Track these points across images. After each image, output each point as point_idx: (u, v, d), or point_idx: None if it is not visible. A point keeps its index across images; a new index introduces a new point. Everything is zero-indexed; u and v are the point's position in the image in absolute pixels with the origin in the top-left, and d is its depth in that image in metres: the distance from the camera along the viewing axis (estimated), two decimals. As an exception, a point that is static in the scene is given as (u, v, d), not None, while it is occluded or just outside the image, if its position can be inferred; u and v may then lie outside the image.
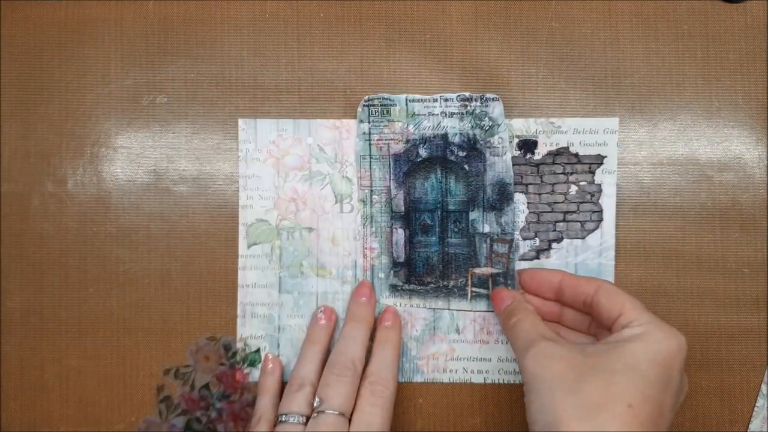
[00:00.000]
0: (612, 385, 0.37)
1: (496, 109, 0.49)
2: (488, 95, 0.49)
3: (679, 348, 0.39)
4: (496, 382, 0.49)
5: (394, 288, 0.49)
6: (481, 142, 0.49)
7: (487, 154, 0.49)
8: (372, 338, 0.48)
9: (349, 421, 0.43)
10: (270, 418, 0.46)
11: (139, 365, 0.50)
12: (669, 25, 0.49)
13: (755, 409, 0.48)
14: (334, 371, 0.45)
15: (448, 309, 0.49)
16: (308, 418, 0.44)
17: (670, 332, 0.39)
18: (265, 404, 0.47)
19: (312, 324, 0.49)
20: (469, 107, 0.49)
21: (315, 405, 0.44)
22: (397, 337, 0.48)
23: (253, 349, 0.48)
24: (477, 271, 0.49)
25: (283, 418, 0.44)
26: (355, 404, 0.44)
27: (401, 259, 0.49)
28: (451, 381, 0.49)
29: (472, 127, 0.49)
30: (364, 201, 0.49)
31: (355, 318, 0.48)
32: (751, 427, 0.48)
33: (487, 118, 0.49)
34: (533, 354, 0.40)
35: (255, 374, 0.49)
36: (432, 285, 0.49)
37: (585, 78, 0.49)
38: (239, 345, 0.49)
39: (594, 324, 0.45)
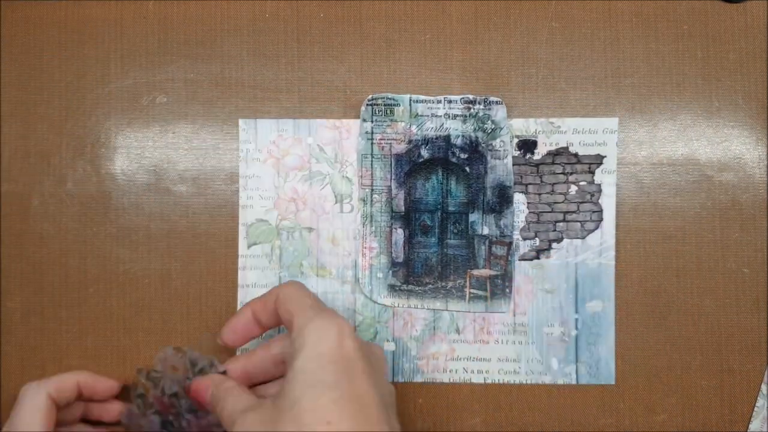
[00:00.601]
0: (301, 416, 0.35)
1: (499, 113, 0.49)
2: (491, 98, 0.49)
3: (339, 332, 0.38)
4: (496, 382, 0.49)
5: (392, 288, 0.49)
6: (483, 145, 0.49)
7: (489, 157, 0.49)
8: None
9: None
10: None
11: (138, 365, 0.50)
12: (669, 25, 0.49)
13: (755, 409, 0.48)
14: None
15: (446, 309, 0.49)
16: None
17: (324, 320, 0.39)
18: None
19: None
20: (472, 110, 0.49)
21: None
22: None
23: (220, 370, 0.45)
24: (475, 272, 0.49)
25: None
26: None
27: (400, 259, 0.49)
28: (451, 381, 0.49)
29: (475, 129, 0.49)
30: (364, 200, 0.49)
31: None
32: (751, 427, 0.48)
33: (489, 121, 0.49)
34: (238, 430, 0.38)
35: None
36: (430, 286, 0.49)
37: (585, 78, 0.50)
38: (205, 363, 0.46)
39: (278, 359, 0.44)
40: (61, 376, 0.46)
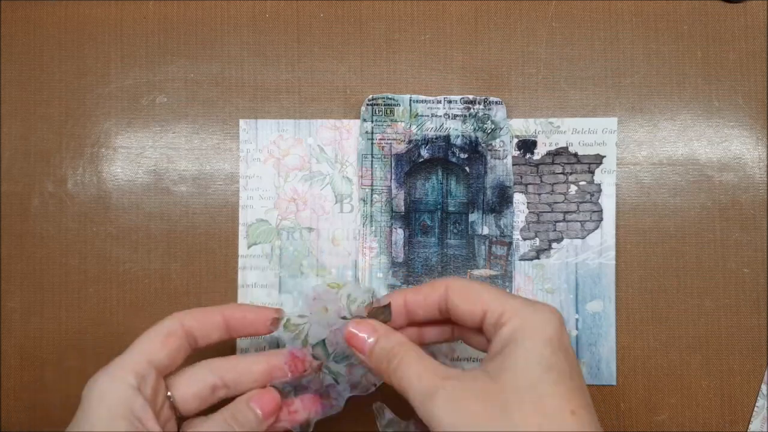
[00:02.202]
0: (542, 400, 0.33)
1: (499, 113, 0.49)
2: (491, 98, 0.49)
3: (560, 319, 0.36)
4: (496, 382, 0.49)
5: (392, 288, 0.49)
6: (483, 145, 0.49)
7: (488, 157, 0.49)
8: None
9: None
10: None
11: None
12: (669, 25, 0.49)
13: (755, 409, 0.48)
14: None
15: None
16: None
17: (545, 310, 0.36)
18: None
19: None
20: (472, 110, 0.49)
21: None
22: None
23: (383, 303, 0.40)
24: (475, 272, 0.49)
25: None
26: None
27: (400, 259, 0.49)
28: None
29: (475, 129, 0.49)
30: (364, 200, 0.49)
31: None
32: (751, 427, 0.48)
33: (489, 121, 0.49)
34: (443, 402, 0.33)
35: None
36: (431, 285, 0.49)
37: (585, 78, 0.50)
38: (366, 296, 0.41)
39: (456, 329, 0.41)
40: (205, 310, 0.41)
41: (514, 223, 0.49)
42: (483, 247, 0.49)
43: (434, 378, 0.35)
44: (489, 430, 0.32)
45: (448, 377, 0.34)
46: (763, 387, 0.48)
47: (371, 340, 0.39)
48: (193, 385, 0.40)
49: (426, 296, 0.39)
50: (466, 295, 0.38)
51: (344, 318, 0.40)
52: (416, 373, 0.35)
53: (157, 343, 0.39)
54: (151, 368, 0.38)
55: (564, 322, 0.36)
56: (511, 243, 0.49)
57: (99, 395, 0.37)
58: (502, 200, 0.49)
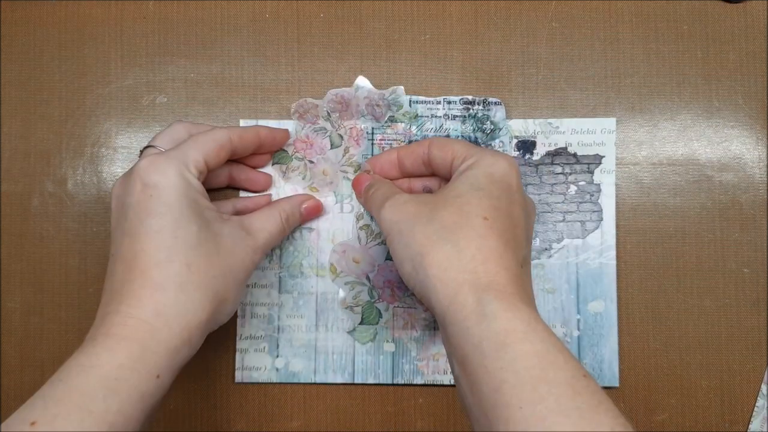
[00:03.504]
0: (464, 206, 0.39)
1: (498, 113, 0.49)
2: (491, 99, 0.49)
3: (511, 165, 0.41)
4: (496, 382, 0.49)
5: (394, 288, 0.50)
6: (482, 146, 0.49)
7: (488, 157, 0.49)
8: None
9: None
10: None
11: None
12: (669, 25, 0.49)
13: (755, 409, 0.48)
14: None
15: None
16: None
17: (499, 155, 0.42)
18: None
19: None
20: (471, 110, 0.49)
21: None
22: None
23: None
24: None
25: None
26: None
27: (401, 259, 0.49)
28: (452, 383, 0.49)
29: (474, 130, 0.49)
30: (364, 201, 0.49)
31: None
32: (751, 427, 0.48)
33: (488, 122, 0.49)
34: (390, 205, 0.41)
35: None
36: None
37: (585, 78, 0.50)
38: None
39: (441, 185, 0.46)
40: (246, 129, 0.46)
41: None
42: (483, 247, 0.49)
43: (390, 192, 0.43)
44: (417, 223, 0.39)
45: (400, 193, 0.43)
46: (763, 387, 0.48)
47: (366, 182, 0.47)
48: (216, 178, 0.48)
49: (413, 150, 0.46)
50: (442, 145, 0.44)
51: None
52: (380, 192, 0.44)
53: (213, 149, 0.43)
54: (205, 167, 0.43)
55: (517, 167, 0.42)
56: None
57: (177, 174, 0.41)
58: (502, 200, 0.49)
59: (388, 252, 0.46)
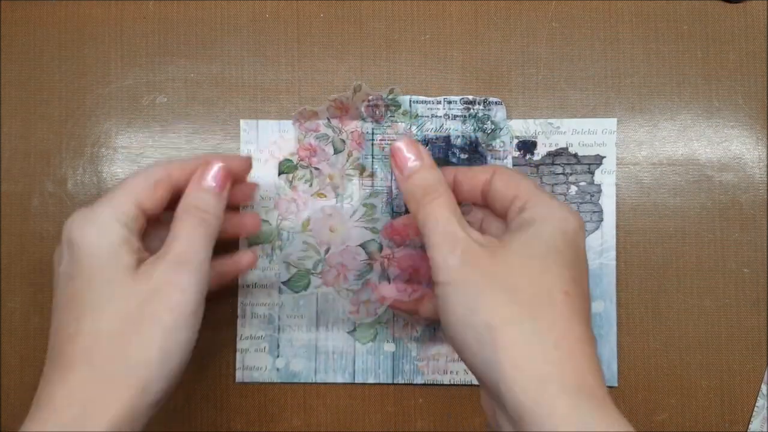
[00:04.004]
0: (543, 274, 0.35)
1: (499, 113, 0.49)
2: (491, 99, 0.49)
3: (581, 223, 0.37)
4: (497, 382, 0.49)
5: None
6: (483, 145, 0.49)
7: (489, 158, 0.49)
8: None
9: None
10: None
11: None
12: (669, 25, 0.49)
13: (755, 409, 0.48)
14: None
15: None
16: None
17: (567, 208, 0.37)
18: None
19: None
20: (471, 110, 0.49)
21: None
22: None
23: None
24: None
25: None
26: None
27: (401, 259, 0.50)
28: (452, 383, 0.49)
29: (475, 130, 0.49)
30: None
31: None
32: (751, 427, 0.48)
33: (489, 122, 0.49)
34: (459, 256, 0.35)
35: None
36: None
37: (585, 78, 0.50)
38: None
39: (485, 220, 0.42)
40: (188, 160, 0.41)
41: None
42: (483, 247, 0.49)
43: (459, 230, 0.36)
44: (488, 286, 0.34)
45: (470, 236, 0.36)
46: (763, 387, 0.48)
47: (415, 163, 0.40)
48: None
49: (474, 175, 0.41)
50: (508, 179, 0.39)
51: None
52: (444, 217, 0.37)
53: (146, 189, 0.39)
54: (140, 212, 0.38)
55: (583, 226, 0.37)
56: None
57: (97, 232, 0.36)
58: (502, 200, 0.49)
59: (363, 242, 0.48)
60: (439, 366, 0.49)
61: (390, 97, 0.49)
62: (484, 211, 0.43)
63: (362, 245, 0.49)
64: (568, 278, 0.35)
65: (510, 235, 0.37)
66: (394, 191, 0.49)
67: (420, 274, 0.47)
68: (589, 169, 0.49)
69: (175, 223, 0.39)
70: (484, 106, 0.49)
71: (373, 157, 0.49)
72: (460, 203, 0.40)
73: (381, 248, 0.49)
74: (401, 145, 0.40)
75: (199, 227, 0.38)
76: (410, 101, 0.49)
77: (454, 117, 0.49)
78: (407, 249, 0.48)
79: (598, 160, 0.49)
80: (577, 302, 0.34)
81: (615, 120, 0.49)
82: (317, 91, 0.50)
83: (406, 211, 0.49)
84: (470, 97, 0.49)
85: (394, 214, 0.49)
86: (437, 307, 0.36)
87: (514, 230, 0.37)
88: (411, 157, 0.40)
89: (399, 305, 0.46)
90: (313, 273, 0.49)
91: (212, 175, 0.40)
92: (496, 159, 0.49)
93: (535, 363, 0.32)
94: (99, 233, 0.36)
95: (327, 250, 0.49)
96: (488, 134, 0.49)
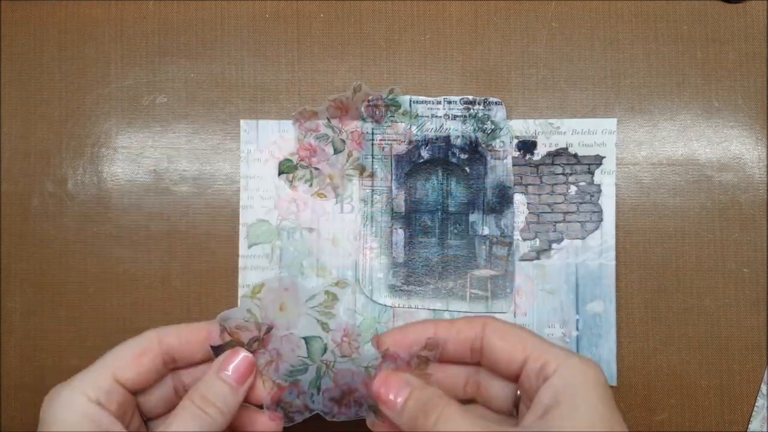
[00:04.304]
0: None
1: (499, 113, 0.49)
2: (491, 99, 0.49)
3: (604, 381, 0.34)
4: (496, 382, 0.49)
5: (392, 288, 0.49)
6: (483, 145, 0.49)
7: (489, 158, 0.49)
8: None
9: None
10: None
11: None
12: (669, 25, 0.49)
13: (755, 409, 0.48)
14: None
15: (447, 310, 0.49)
16: None
17: (590, 364, 0.34)
18: None
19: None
20: (471, 110, 0.49)
21: None
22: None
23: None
24: (476, 273, 0.49)
25: None
26: None
27: (400, 260, 0.50)
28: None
29: (474, 130, 0.49)
30: (365, 201, 0.49)
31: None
32: (751, 427, 0.48)
33: (489, 122, 0.49)
34: None
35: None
36: (431, 286, 0.49)
37: (585, 78, 0.50)
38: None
39: (480, 380, 0.38)
40: (190, 326, 0.37)
41: (515, 224, 0.49)
42: (483, 247, 0.49)
43: (450, 412, 0.33)
44: None
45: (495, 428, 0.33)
46: (763, 387, 0.48)
47: (404, 391, 0.35)
48: (155, 391, 0.38)
49: (459, 331, 0.37)
50: (505, 335, 0.35)
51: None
52: (462, 428, 0.33)
53: (126, 360, 0.36)
54: (118, 385, 0.36)
55: (604, 375, 0.34)
56: (511, 243, 0.49)
57: (60, 410, 0.34)
58: (503, 200, 0.49)
59: (308, 335, 0.41)
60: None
61: (390, 97, 0.49)
62: (473, 369, 0.38)
63: (306, 339, 0.41)
64: None
65: (550, 417, 0.32)
66: (394, 191, 0.49)
67: (352, 395, 0.40)
68: (588, 169, 0.49)
69: (176, 410, 0.36)
70: (484, 106, 0.49)
71: (372, 157, 0.49)
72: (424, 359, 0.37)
73: (324, 351, 0.41)
74: (381, 387, 0.36)
75: (195, 422, 0.35)
76: (410, 101, 0.49)
77: (454, 117, 0.49)
78: (347, 364, 0.41)
79: (597, 160, 0.49)
80: None
81: (615, 120, 0.49)
82: (317, 91, 0.50)
83: (406, 212, 0.49)
84: (470, 97, 0.49)
85: (394, 213, 0.49)
86: None
87: (548, 409, 0.33)
88: (395, 394, 0.36)
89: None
90: (246, 347, 0.40)
91: (234, 366, 0.37)
92: (496, 159, 0.49)
93: None
94: (61, 410, 0.34)
95: (268, 330, 0.41)
96: (488, 134, 0.49)
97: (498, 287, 0.49)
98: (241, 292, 0.50)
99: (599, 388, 0.33)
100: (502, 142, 0.49)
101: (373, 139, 0.49)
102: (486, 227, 0.49)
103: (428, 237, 0.50)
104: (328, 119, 0.49)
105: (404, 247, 0.49)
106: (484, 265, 0.49)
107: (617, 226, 0.49)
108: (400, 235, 0.49)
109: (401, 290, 0.49)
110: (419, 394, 0.35)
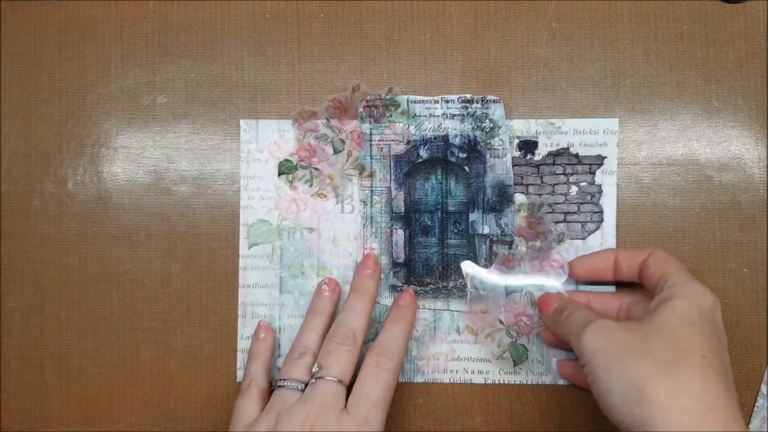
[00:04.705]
0: (679, 341, 0.38)
1: (497, 111, 0.49)
2: (489, 97, 0.49)
3: (717, 302, 0.40)
4: (496, 382, 0.49)
5: (393, 288, 0.49)
6: (482, 144, 0.49)
7: (488, 156, 0.49)
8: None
9: (348, 392, 0.43)
10: (261, 384, 0.46)
11: (139, 365, 0.50)
12: (669, 25, 0.49)
13: (755, 409, 0.48)
14: (335, 340, 0.44)
15: (448, 310, 0.49)
16: (306, 386, 0.43)
17: (703, 288, 0.41)
18: (256, 369, 0.47)
19: (315, 295, 0.49)
20: (469, 109, 0.49)
21: (314, 371, 0.43)
22: (411, 317, 0.47)
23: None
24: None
25: (282, 383, 0.44)
26: (358, 375, 0.43)
27: (401, 260, 0.50)
28: (452, 381, 0.49)
29: (473, 128, 0.49)
30: (364, 201, 0.49)
31: (358, 290, 0.47)
32: (751, 427, 0.48)
33: (487, 120, 0.49)
34: (592, 330, 0.40)
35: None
36: (431, 286, 0.49)
37: (585, 78, 0.50)
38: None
39: (633, 305, 0.46)
40: None
41: (515, 223, 0.49)
42: (484, 246, 0.49)
43: (590, 317, 0.41)
44: (628, 355, 0.37)
45: (601, 318, 0.41)
46: (763, 387, 0.48)
47: (554, 304, 0.46)
48: None
49: (634, 255, 0.45)
50: (660, 260, 0.43)
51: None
52: (578, 316, 0.42)
53: None
54: None
55: (719, 304, 0.41)
56: (512, 242, 0.49)
57: None
58: (502, 199, 0.49)
59: (505, 287, 0.49)
60: (439, 365, 0.49)
61: (388, 96, 0.49)
62: (632, 295, 0.47)
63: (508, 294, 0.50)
64: (705, 345, 0.38)
65: (648, 313, 0.41)
66: (393, 192, 0.49)
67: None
68: (590, 169, 0.49)
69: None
70: (482, 105, 0.49)
71: (371, 158, 0.49)
72: None
73: None
74: (546, 295, 0.48)
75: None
76: (408, 101, 0.49)
77: (452, 116, 0.49)
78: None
79: (599, 160, 0.49)
80: (715, 364, 0.37)
81: (617, 120, 0.49)
82: (317, 91, 0.50)
83: (406, 212, 0.49)
84: (468, 96, 0.49)
85: (394, 214, 0.49)
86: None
87: (653, 308, 0.41)
88: (552, 300, 0.47)
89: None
90: (513, 340, 0.49)
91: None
92: (495, 157, 0.49)
93: (678, 412, 0.35)
94: None
95: (500, 321, 0.50)
96: (486, 133, 0.49)
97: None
98: (241, 292, 0.50)
99: (706, 308, 0.40)
100: (501, 140, 0.49)
101: (371, 140, 0.49)
102: (486, 226, 0.49)
103: (428, 236, 0.50)
104: (327, 119, 0.49)
105: (404, 247, 0.49)
106: (485, 263, 0.49)
107: (617, 226, 0.49)
108: (400, 235, 0.49)
109: (402, 290, 0.49)
110: (564, 302, 0.45)
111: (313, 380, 0.43)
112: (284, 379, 0.44)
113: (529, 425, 0.49)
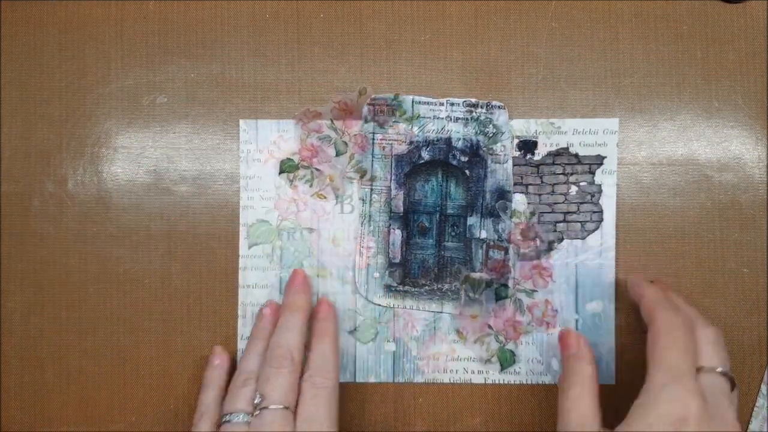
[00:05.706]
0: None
1: (501, 117, 0.49)
2: (494, 103, 0.49)
3: (684, 419, 0.39)
4: (496, 382, 0.49)
5: (388, 288, 0.49)
6: (484, 149, 0.49)
7: (489, 161, 0.49)
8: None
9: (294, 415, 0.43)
10: (213, 414, 0.45)
11: (139, 365, 0.50)
12: (669, 25, 0.49)
13: (755, 409, 0.48)
14: (272, 365, 0.44)
15: (441, 312, 0.49)
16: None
17: (683, 396, 0.39)
18: (208, 400, 0.46)
19: (257, 318, 0.49)
20: (474, 113, 0.49)
21: (255, 402, 0.43)
22: (333, 328, 0.47)
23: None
24: (472, 275, 0.49)
25: (228, 418, 0.43)
26: (299, 401, 0.43)
27: (397, 260, 0.50)
28: (452, 381, 0.49)
29: (476, 133, 0.49)
30: (363, 199, 0.49)
31: (289, 307, 0.47)
32: (751, 427, 0.48)
33: (491, 125, 0.49)
34: None
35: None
36: (426, 287, 0.49)
37: (585, 78, 0.50)
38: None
39: None
40: None
41: (512, 229, 0.49)
42: (480, 250, 0.49)
43: (589, 425, 0.41)
44: None
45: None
46: (763, 387, 0.48)
47: (572, 350, 0.44)
48: None
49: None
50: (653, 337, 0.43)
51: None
52: (582, 411, 0.42)
53: None
54: None
55: (695, 413, 0.39)
56: (508, 247, 0.49)
57: None
58: (501, 204, 0.49)
59: (496, 293, 0.49)
60: (439, 365, 0.49)
61: (394, 101, 0.49)
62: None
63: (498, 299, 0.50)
64: None
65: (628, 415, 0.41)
66: (393, 191, 0.49)
67: None
68: (589, 169, 0.49)
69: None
70: (487, 110, 0.49)
71: (373, 157, 0.49)
72: None
73: None
74: (568, 334, 0.44)
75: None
76: (412, 102, 0.49)
77: (456, 119, 0.49)
78: None
79: (599, 160, 0.49)
80: None
81: (617, 120, 0.49)
82: (317, 91, 0.50)
83: (404, 213, 0.49)
84: (473, 100, 0.49)
85: (392, 213, 0.49)
86: None
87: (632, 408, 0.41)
88: (571, 344, 0.44)
89: None
90: (501, 345, 0.50)
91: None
92: (496, 163, 0.49)
93: None
94: None
95: (489, 326, 0.50)
96: (489, 138, 0.49)
97: (492, 290, 0.49)
98: (241, 292, 0.50)
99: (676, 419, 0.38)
100: (504, 146, 0.49)
101: (374, 139, 0.49)
102: (483, 231, 0.49)
103: (425, 238, 0.50)
104: (332, 120, 0.49)
105: (401, 247, 0.49)
106: (480, 268, 0.49)
107: (617, 226, 0.49)
108: (397, 235, 0.49)
109: (396, 290, 0.49)
110: (578, 366, 0.44)
111: (257, 411, 0.42)
112: (230, 413, 0.43)
113: (529, 425, 0.49)
